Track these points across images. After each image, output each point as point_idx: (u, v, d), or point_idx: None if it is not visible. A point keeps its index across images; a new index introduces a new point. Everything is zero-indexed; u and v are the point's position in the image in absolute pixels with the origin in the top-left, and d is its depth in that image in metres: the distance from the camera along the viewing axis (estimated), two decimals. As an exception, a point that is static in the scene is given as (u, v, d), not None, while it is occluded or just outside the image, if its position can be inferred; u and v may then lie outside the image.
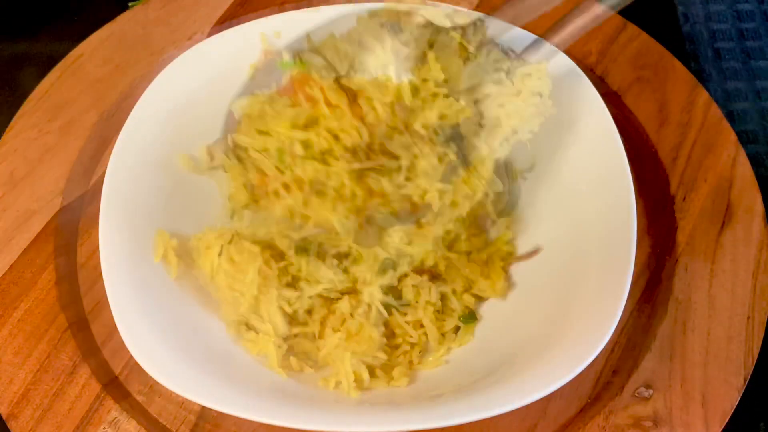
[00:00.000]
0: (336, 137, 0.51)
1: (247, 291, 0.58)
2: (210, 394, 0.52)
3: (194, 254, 0.61)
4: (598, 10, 0.55)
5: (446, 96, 0.55)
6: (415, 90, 0.53)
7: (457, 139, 0.54)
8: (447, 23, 0.56)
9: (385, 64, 0.52)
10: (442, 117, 0.54)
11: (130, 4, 0.81)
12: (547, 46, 0.57)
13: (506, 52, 0.57)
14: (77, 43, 0.77)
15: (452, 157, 0.54)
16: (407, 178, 0.53)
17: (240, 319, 0.60)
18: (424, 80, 0.55)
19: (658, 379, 0.58)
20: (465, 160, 0.55)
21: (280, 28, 0.69)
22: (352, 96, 0.51)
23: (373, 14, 0.58)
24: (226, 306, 0.60)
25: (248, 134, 0.56)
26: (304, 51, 0.53)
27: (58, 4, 0.89)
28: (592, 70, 0.74)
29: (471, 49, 0.56)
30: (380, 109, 0.52)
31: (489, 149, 0.56)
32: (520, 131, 0.57)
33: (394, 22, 0.55)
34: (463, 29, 0.56)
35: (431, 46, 0.55)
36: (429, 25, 0.55)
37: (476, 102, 0.55)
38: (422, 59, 0.55)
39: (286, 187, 0.53)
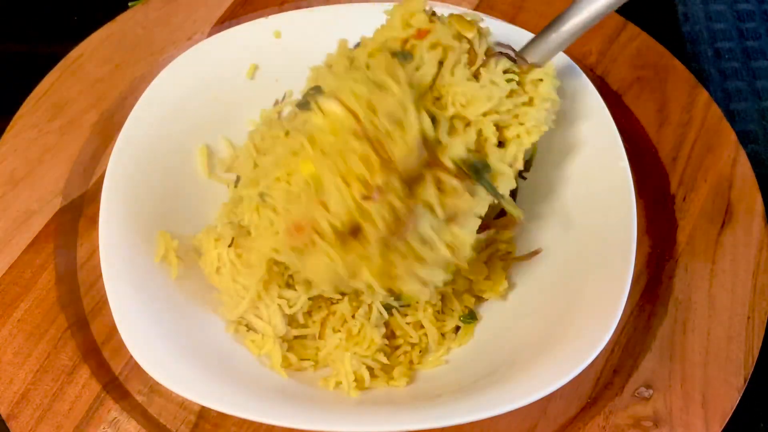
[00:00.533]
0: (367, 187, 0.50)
1: (252, 286, 0.58)
2: (210, 394, 0.52)
3: (199, 249, 0.61)
4: (597, 6, 0.54)
5: (468, 124, 0.55)
6: (435, 122, 0.53)
7: (483, 170, 0.55)
8: (454, 43, 0.56)
9: (404, 103, 0.51)
10: (468, 149, 0.53)
11: (130, 4, 0.81)
12: (549, 42, 0.57)
13: (513, 59, 0.57)
14: (77, 43, 0.77)
15: (484, 195, 0.54)
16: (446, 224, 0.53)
17: (239, 320, 0.60)
18: (439, 99, 0.55)
19: (658, 379, 0.58)
20: (494, 190, 0.55)
21: (280, 28, 0.69)
22: (379, 144, 0.51)
23: (378, 38, 0.57)
24: (226, 306, 0.60)
25: (271, 172, 0.55)
26: (322, 98, 0.52)
27: (58, 4, 0.89)
28: (592, 70, 0.74)
29: (480, 61, 0.56)
30: (407, 152, 0.51)
31: (514, 171, 0.56)
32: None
33: (405, 51, 0.55)
34: (469, 42, 0.56)
35: (441, 64, 0.55)
36: (437, 45, 0.55)
37: (496, 123, 0.55)
38: (436, 83, 0.55)
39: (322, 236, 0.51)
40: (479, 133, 0.55)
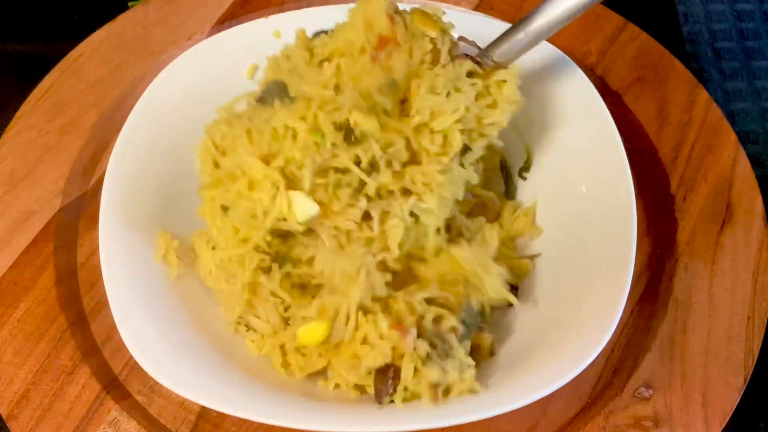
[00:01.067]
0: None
1: (241, 293, 0.58)
2: (210, 394, 0.52)
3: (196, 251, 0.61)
4: (566, 7, 0.54)
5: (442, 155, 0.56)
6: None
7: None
8: (418, 52, 0.56)
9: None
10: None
11: (130, 4, 0.81)
12: (516, 42, 0.57)
13: (477, 61, 0.57)
14: (77, 43, 0.77)
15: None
16: None
17: (239, 319, 0.60)
18: (405, 101, 0.56)
19: (658, 379, 0.58)
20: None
21: (280, 28, 0.69)
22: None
23: (339, 38, 0.57)
24: (225, 306, 0.59)
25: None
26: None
27: (58, 4, 0.89)
28: (592, 70, 0.74)
29: (443, 60, 0.56)
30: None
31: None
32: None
33: (392, 81, 0.55)
34: (432, 41, 0.56)
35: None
36: (403, 54, 0.56)
37: (462, 132, 0.56)
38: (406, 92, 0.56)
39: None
40: (444, 139, 0.55)
